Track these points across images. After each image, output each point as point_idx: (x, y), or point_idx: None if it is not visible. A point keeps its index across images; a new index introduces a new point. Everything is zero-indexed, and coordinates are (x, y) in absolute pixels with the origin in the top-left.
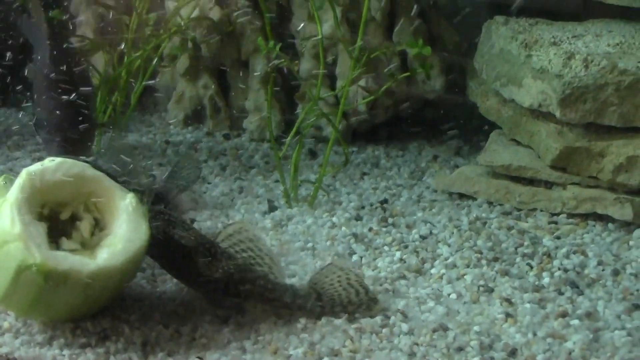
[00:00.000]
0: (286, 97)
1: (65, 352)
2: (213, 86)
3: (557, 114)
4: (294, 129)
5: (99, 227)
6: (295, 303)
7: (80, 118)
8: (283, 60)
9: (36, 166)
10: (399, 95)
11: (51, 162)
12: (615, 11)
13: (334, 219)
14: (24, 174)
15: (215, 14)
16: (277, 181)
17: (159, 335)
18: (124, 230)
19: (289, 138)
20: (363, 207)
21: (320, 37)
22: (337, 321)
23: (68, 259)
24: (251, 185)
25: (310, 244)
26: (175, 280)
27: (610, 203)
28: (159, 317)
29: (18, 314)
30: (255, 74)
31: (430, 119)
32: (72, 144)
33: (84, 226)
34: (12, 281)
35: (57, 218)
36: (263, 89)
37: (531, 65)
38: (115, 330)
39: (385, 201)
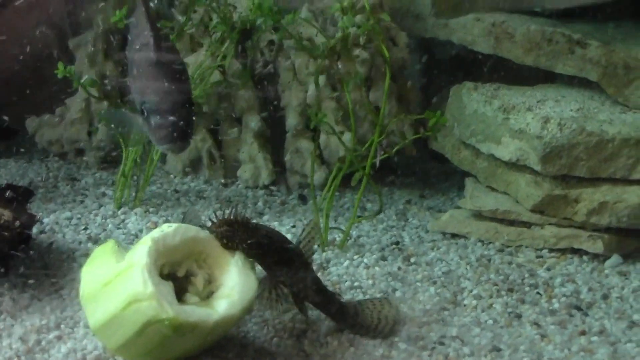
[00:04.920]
0: (274, 149)
1: None
2: (210, 140)
3: (539, 168)
4: (329, 182)
5: (208, 280)
6: (336, 314)
7: (187, 105)
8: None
9: (157, 232)
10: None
11: (170, 228)
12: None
13: (365, 260)
14: (149, 240)
15: (215, 76)
16: (293, 226)
17: None
18: (237, 282)
19: (326, 190)
20: (383, 249)
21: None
22: (410, 348)
23: (196, 312)
24: None
25: (356, 283)
26: (254, 320)
27: (585, 239)
28: (252, 353)
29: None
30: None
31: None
32: (180, 128)
33: (199, 281)
34: (136, 333)
35: (174, 275)
36: (256, 142)
37: (509, 127)
38: None
39: (397, 242)
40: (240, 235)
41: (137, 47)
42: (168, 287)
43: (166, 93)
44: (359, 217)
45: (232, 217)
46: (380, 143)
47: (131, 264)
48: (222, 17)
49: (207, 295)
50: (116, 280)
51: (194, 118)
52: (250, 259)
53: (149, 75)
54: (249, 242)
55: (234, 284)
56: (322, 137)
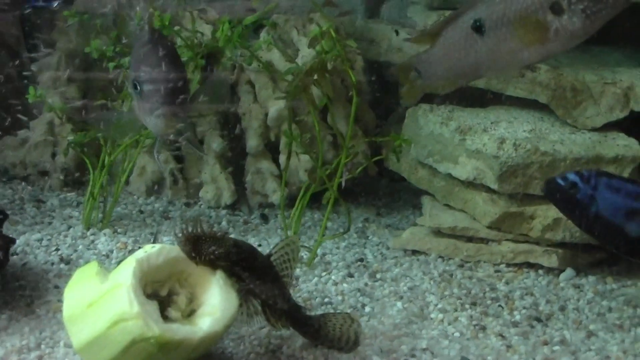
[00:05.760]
0: (235, 171)
1: None
2: (173, 161)
3: (495, 187)
4: (298, 201)
5: (190, 299)
6: (301, 327)
7: (180, 75)
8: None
9: (141, 253)
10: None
11: (153, 249)
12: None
13: (333, 277)
14: (133, 261)
15: None
16: (259, 245)
17: None
18: (219, 300)
19: (294, 209)
20: (349, 266)
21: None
22: None
23: (181, 329)
24: None
25: (326, 299)
26: (231, 337)
27: (540, 254)
28: None
29: None
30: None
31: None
32: (173, 93)
33: (181, 299)
34: (122, 351)
35: (157, 294)
36: (218, 163)
37: (466, 147)
38: None
39: (362, 259)
40: (208, 247)
41: (138, 45)
42: (153, 306)
43: (158, 64)
44: (324, 235)
45: (198, 230)
46: (345, 164)
47: (116, 284)
48: (187, 44)
49: (189, 314)
50: (101, 300)
51: (188, 92)
52: (231, 277)
53: (143, 54)
54: (216, 252)
55: (216, 301)
56: (282, 158)
